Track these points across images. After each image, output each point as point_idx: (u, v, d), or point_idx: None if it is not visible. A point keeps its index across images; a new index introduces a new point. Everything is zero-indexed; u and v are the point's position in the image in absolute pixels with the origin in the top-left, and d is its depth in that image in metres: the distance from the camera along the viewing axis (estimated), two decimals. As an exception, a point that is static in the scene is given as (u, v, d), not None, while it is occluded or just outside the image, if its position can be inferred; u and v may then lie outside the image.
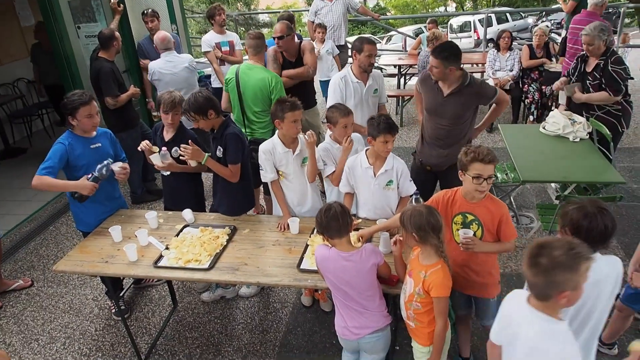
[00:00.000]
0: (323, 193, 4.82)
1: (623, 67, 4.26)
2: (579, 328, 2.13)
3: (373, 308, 2.52)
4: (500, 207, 2.59)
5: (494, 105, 3.84)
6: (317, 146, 3.46)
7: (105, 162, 3.30)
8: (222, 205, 3.59)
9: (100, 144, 3.39)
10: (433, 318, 2.42)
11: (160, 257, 3.00)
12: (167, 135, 3.64)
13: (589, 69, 4.47)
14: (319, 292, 3.77)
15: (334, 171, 3.43)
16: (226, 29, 6.13)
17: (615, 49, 4.82)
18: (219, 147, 3.42)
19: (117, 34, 4.98)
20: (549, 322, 1.78)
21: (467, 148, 2.57)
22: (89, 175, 3.25)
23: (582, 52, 4.62)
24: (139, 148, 3.52)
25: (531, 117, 6.72)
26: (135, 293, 4.12)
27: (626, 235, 4.43)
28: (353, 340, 2.59)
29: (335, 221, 2.39)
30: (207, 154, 3.37)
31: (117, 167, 3.37)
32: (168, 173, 3.65)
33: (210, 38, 5.99)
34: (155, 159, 3.49)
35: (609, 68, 4.26)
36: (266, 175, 3.43)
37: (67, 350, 3.56)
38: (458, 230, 2.65)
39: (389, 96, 7.76)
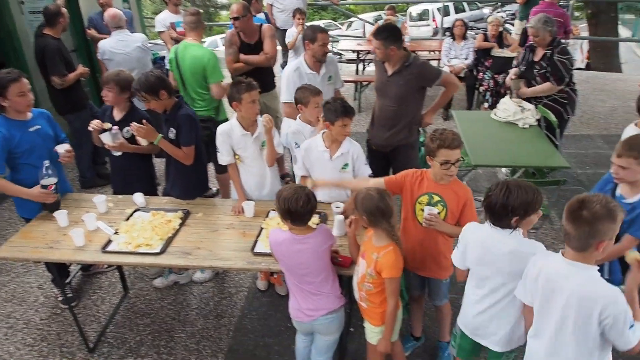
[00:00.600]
0: (282, 177, 4.80)
1: (568, 57, 4.44)
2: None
3: (327, 290, 2.53)
4: (466, 191, 2.64)
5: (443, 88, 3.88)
6: (277, 130, 3.43)
7: (44, 165, 3.07)
8: (175, 189, 3.51)
9: (39, 126, 3.19)
10: (385, 299, 2.46)
11: (109, 242, 2.90)
12: (118, 115, 3.50)
13: (536, 59, 4.61)
14: (275, 276, 3.75)
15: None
16: (183, 9, 5.96)
17: (562, 40, 4.98)
18: (171, 128, 3.33)
19: (63, 10, 4.74)
20: (591, 270, 1.90)
21: (433, 134, 2.57)
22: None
23: (530, 42, 4.75)
24: (89, 128, 3.37)
25: (486, 104, 6.88)
26: (83, 280, 3.98)
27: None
28: (307, 323, 2.60)
29: (302, 213, 2.37)
30: (160, 135, 3.28)
31: (61, 149, 3.22)
32: (119, 153, 3.51)
33: (164, 17, 5.81)
34: (106, 138, 3.35)
35: (555, 58, 4.42)
36: (222, 158, 3.37)
37: (10, 340, 3.42)
38: (422, 209, 2.66)
39: (347, 82, 7.79)
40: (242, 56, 4.58)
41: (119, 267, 3.76)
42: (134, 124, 3.18)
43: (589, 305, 1.86)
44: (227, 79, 4.34)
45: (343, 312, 2.64)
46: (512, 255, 2.14)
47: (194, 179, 3.50)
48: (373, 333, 2.59)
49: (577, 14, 15.88)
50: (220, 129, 3.33)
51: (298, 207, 2.33)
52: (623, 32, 16.22)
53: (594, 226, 1.82)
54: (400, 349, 2.84)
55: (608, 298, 1.83)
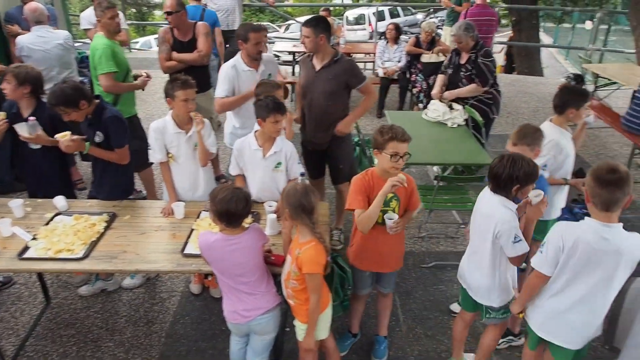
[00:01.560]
0: (217, 179, 4.71)
1: (491, 60, 4.68)
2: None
3: (262, 289, 2.51)
4: (411, 179, 2.68)
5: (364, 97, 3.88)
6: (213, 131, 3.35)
7: None
8: (102, 191, 3.36)
9: None
10: (310, 296, 2.45)
11: (26, 248, 2.73)
12: (25, 112, 3.29)
13: (462, 62, 4.82)
14: (209, 279, 3.67)
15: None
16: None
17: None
18: (97, 132, 3.19)
19: None
20: (620, 227, 2.16)
21: (382, 128, 2.61)
22: None
23: (456, 47, 4.94)
24: None
25: (420, 105, 7.07)
26: None
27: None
28: (243, 324, 2.56)
29: (237, 215, 2.33)
30: (87, 143, 3.14)
31: None
32: (38, 146, 3.30)
33: (90, 14, 5.52)
34: (22, 129, 3.13)
35: (479, 61, 4.63)
36: (155, 156, 3.27)
37: None
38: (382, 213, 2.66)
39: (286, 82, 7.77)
40: (175, 54, 4.47)
41: (40, 276, 3.53)
42: (61, 142, 3.04)
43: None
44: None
45: (279, 310, 2.62)
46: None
47: (123, 178, 3.38)
48: (302, 330, 2.57)
49: (503, 21, 16.73)
50: (153, 125, 3.23)
51: (238, 208, 2.30)
52: (545, 38, 17.24)
53: (626, 187, 2.10)
54: (333, 346, 2.82)
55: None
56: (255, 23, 4.15)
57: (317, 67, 3.72)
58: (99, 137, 3.19)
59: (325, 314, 2.57)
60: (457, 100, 4.84)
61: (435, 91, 5.01)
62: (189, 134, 3.21)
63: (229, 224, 2.36)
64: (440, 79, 5.09)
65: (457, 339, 3.03)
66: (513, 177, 2.35)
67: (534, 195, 2.42)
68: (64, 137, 3.05)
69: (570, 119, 3.22)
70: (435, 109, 4.85)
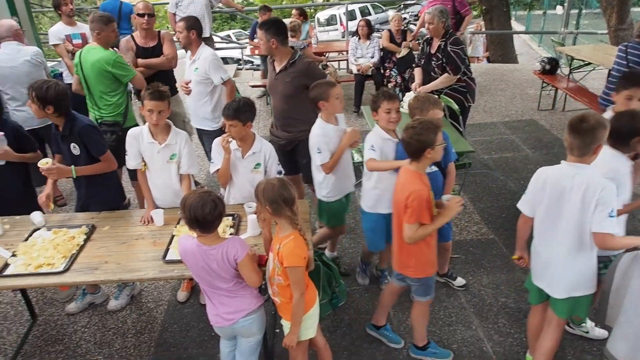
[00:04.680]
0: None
1: (461, 47, 4.71)
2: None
3: (243, 292, 2.48)
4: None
5: None
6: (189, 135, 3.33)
7: None
8: (94, 203, 3.34)
9: None
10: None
11: (6, 265, 2.70)
12: None
13: (433, 51, 4.85)
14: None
15: (328, 161, 3.26)
16: (79, 20, 5.70)
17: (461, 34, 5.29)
18: (72, 144, 3.16)
19: None
20: (590, 168, 2.38)
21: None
22: None
23: (427, 36, 4.98)
24: None
25: (396, 101, 7.12)
26: (-15, 313, 3.68)
27: (481, 200, 4.88)
28: (227, 327, 2.54)
29: (209, 220, 2.27)
30: (72, 167, 3.13)
31: None
32: (2, 163, 3.27)
33: (58, 30, 5.50)
34: None
35: (448, 48, 4.67)
36: (129, 162, 3.26)
37: None
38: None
39: (257, 86, 7.83)
40: (142, 60, 4.48)
41: (24, 294, 3.50)
42: (43, 169, 3.03)
43: (592, 191, 2.31)
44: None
45: (263, 311, 2.61)
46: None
47: (114, 185, 3.40)
48: (288, 329, 2.57)
49: (473, 12, 16.86)
50: (130, 132, 3.23)
51: (205, 213, 2.23)
52: (517, 26, 17.44)
53: (594, 133, 2.30)
54: (323, 343, 2.81)
55: (604, 185, 2.30)
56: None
57: (277, 69, 3.78)
58: (75, 149, 3.16)
59: (311, 312, 2.56)
60: (432, 91, 4.88)
61: (416, 83, 5.05)
62: (162, 145, 3.17)
63: (202, 230, 2.32)
64: (418, 71, 5.13)
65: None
66: (633, 129, 2.54)
67: None
68: (45, 165, 3.03)
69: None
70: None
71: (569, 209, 2.41)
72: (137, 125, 4.42)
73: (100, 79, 4.07)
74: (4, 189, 3.37)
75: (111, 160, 3.26)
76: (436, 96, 3.52)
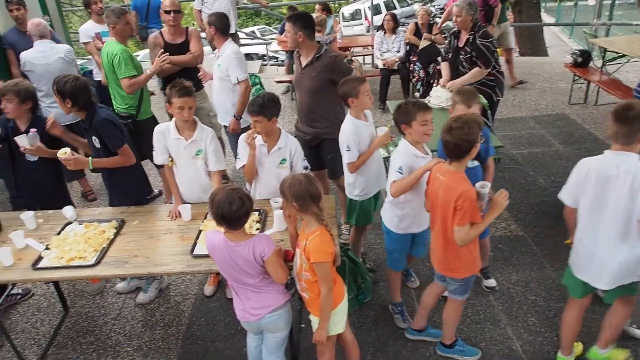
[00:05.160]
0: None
1: (490, 40, 4.59)
2: None
3: (269, 288, 2.48)
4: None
5: None
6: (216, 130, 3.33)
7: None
8: (115, 197, 3.43)
9: None
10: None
11: (40, 258, 2.77)
12: (22, 125, 3.34)
13: (461, 44, 4.76)
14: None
15: (356, 160, 3.22)
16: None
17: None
18: (93, 137, 3.25)
19: None
20: (636, 156, 2.35)
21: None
22: None
23: (454, 30, 4.90)
24: None
25: (417, 94, 7.06)
26: (19, 305, 3.78)
27: (509, 196, 4.76)
28: (253, 322, 2.55)
29: (236, 217, 2.27)
30: (89, 158, 3.20)
31: None
32: (35, 159, 3.35)
33: (88, 28, 5.60)
34: (22, 141, 3.18)
35: (477, 42, 4.56)
36: (157, 158, 3.29)
37: (-59, 374, 3.21)
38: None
39: (282, 82, 7.82)
40: (169, 57, 4.51)
41: (57, 286, 3.59)
42: (62, 159, 3.11)
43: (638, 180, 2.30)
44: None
45: (289, 307, 2.61)
46: None
47: (132, 180, 3.43)
48: (316, 324, 2.56)
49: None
50: (157, 128, 3.26)
51: (232, 211, 2.24)
52: (546, 18, 17.05)
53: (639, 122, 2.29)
54: (352, 339, 2.81)
55: None
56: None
57: (303, 63, 3.76)
58: (95, 142, 3.24)
59: (340, 307, 2.56)
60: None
61: (443, 79, 4.96)
62: (188, 141, 3.18)
63: (229, 227, 2.33)
64: (445, 66, 5.05)
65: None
66: None
67: None
68: (63, 155, 3.10)
69: None
70: (438, 96, 4.83)
71: (615, 199, 2.38)
72: (152, 118, 4.53)
73: (110, 72, 4.21)
74: (37, 184, 3.46)
75: (129, 154, 3.29)
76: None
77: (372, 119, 3.43)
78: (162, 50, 4.36)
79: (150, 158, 3.52)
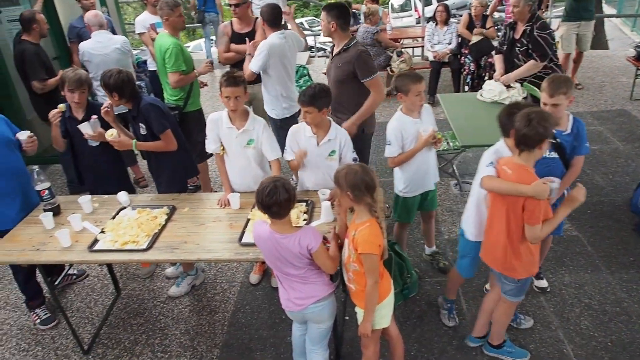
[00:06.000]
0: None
1: (548, 32, 4.40)
2: None
3: (314, 279, 2.48)
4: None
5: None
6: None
7: (34, 170, 3.13)
8: (162, 184, 3.52)
9: None
10: (372, 280, 2.41)
11: (96, 241, 2.88)
12: (79, 114, 3.46)
13: (517, 36, 4.58)
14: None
15: (395, 155, 3.22)
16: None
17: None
18: (140, 124, 3.35)
19: (39, 15, 4.70)
20: None
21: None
22: None
23: (510, 21, 4.73)
24: (49, 115, 3.38)
25: (466, 88, 6.90)
26: (74, 285, 3.96)
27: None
28: (297, 312, 2.56)
29: (276, 205, 2.27)
30: (134, 140, 3.31)
31: (23, 136, 3.18)
32: (96, 144, 3.48)
33: (144, 19, 5.76)
34: (85, 128, 3.32)
35: (535, 33, 4.38)
36: (209, 146, 3.34)
37: (4, 346, 3.39)
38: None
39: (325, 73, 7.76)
40: (233, 45, 4.60)
41: (110, 269, 3.73)
42: (108, 138, 3.23)
43: None
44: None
45: (333, 299, 2.60)
46: None
47: (174, 167, 3.51)
48: (362, 316, 2.54)
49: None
50: (211, 116, 3.30)
51: (272, 199, 2.25)
52: (607, 10, 16.22)
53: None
54: (397, 333, 2.78)
55: None
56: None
57: (333, 53, 3.76)
58: (142, 128, 3.34)
59: (386, 301, 2.53)
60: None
61: (497, 73, 4.82)
62: (239, 130, 3.20)
63: (272, 216, 2.34)
64: (498, 59, 4.89)
65: None
66: None
67: None
68: (110, 136, 3.24)
69: None
70: (491, 89, 4.70)
71: None
72: (198, 111, 4.62)
73: (162, 64, 4.30)
74: (99, 168, 3.60)
75: (170, 140, 3.36)
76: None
77: (432, 115, 3.33)
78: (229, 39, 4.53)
79: (191, 150, 3.59)
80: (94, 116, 3.33)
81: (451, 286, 3.28)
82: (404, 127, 3.19)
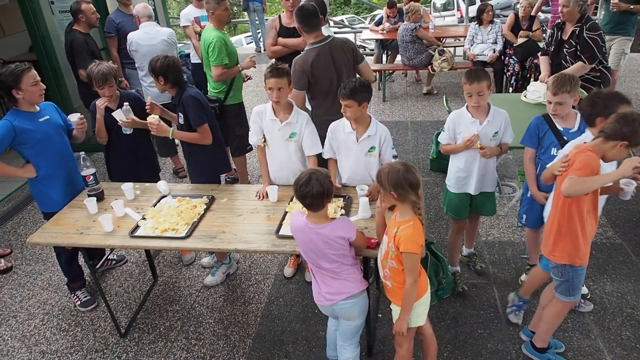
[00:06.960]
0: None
1: (598, 33, 4.26)
2: None
3: (346, 275, 2.48)
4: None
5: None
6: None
7: (81, 156, 3.25)
8: (193, 175, 3.59)
9: (48, 117, 3.23)
10: (410, 277, 2.39)
11: (137, 227, 2.95)
12: (112, 104, 3.54)
13: (565, 37, 4.45)
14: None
15: (445, 144, 3.25)
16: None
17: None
18: (179, 114, 3.41)
19: (85, 6, 4.86)
20: None
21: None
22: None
23: (558, 21, 4.59)
24: (97, 104, 3.49)
25: (510, 89, 6.75)
26: (115, 270, 4.08)
27: (608, 201, 4.37)
28: (327, 306, 2.57)
29: (309, 197, 2.30)
30: (172, 128, 3.36)
31: (74, 117, 3.33)
32: (130, 131, 3.57)
33: (188, 12, 5.87)
34: (119, 115, 3.42)
35: (584, 35, 4.25)
36: (251, 138, 3.36)
37: (46, 326, 3.51)
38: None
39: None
40: (280, 39, 4.62)
41: (148, 255, 3.82)
42: (149, 121, 3.30)
43: None
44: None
45: (365, 297, 2.59)
46: None
47: (208, 160, 3.56)
48: (397, 314, 2.52)
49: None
50: (255, 108, 3.32)
51: (306, 191, 2.27)
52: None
53: None
54: (431, 332, 2.74)
55: None
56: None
57: None
58: (181, 118, 3.40)
59: (423, 299, 2.50)
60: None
61: (543, 74, 4.69)
62: (283, 123, 3.21)
63: (309, 208, 2.36)
64: (544, 60, 4.77)
65: None
66: None
67: None
68: (152, 119, 3.32)
69: None
70: (535, 90, 4.58)
71: None
72: (238, 105, 4.66)
73: (206, 57, 4.36)
74: (132, 155, 3.69)
75: (206, 134, 3.40)
76: None
77: (502, 125, 3.20)
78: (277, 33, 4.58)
79: (230, 143, 3.60)
80: (126, 103, 3.43)
81: (530, 286, 3.17)
82: (459, 121, 3.17)
